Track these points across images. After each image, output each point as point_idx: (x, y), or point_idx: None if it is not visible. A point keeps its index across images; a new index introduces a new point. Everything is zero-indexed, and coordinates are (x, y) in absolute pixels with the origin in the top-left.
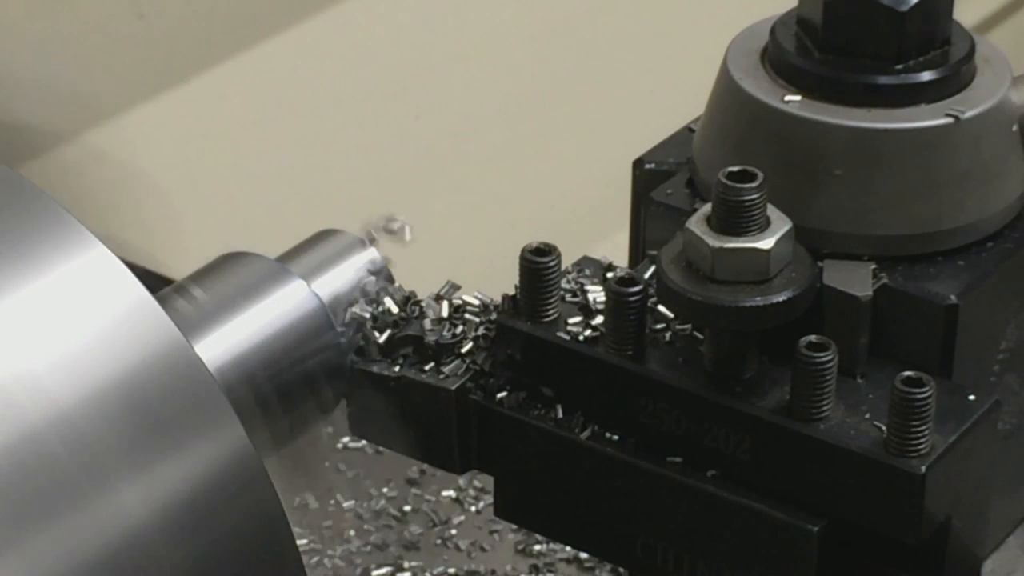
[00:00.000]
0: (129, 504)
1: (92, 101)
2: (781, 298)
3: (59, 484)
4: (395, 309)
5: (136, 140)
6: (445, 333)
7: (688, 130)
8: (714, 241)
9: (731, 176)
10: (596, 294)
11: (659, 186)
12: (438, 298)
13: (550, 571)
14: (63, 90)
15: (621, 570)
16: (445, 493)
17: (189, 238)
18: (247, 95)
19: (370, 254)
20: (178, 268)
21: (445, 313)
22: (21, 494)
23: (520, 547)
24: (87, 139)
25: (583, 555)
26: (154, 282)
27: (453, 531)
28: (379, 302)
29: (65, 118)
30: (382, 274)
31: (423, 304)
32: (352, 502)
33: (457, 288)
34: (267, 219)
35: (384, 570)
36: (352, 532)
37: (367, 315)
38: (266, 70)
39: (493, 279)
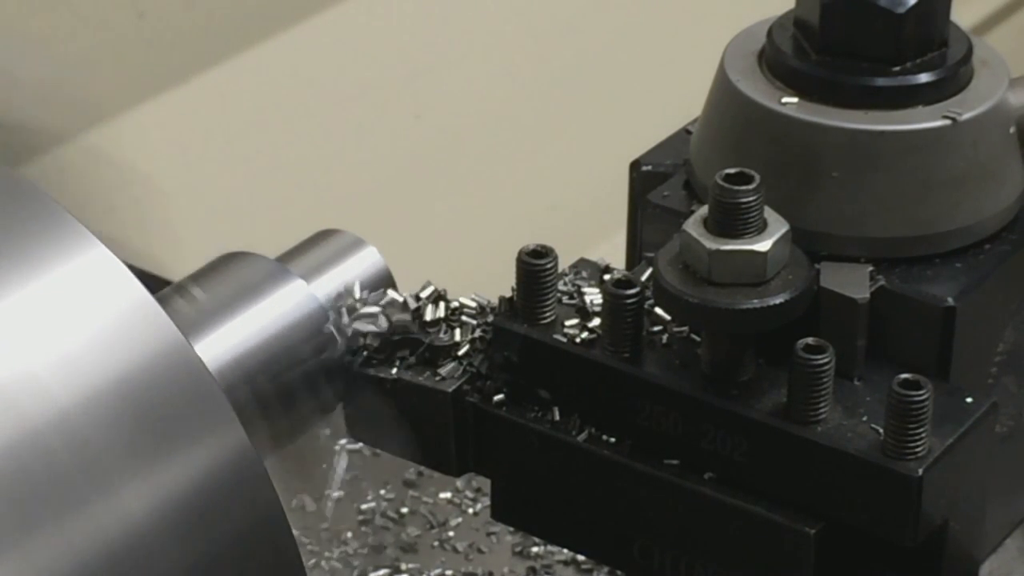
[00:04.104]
0: (129, 504)
1: (92, 101)
2: (778, 300)
3: (59, 484)
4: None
5: (136, 140)
6: (442, 335)
7: (685, 132)
8: (711, 243)
9: (728, 178)
10: (593, 296)
11: (656, 188)
12: (417, 298)
13: (547, 573)
14: (63, 90)
15: (618, 572)
16: (442, 495)
17: (189, 238)
18: (247, 95)
19: (371, 255)
20: (178, 268)
21: (442, 314)
22: (21, 494)
23: (517, 549)
24: (87, 139)
25: (580, 557)
26: (154, 282)
27: (450, 533)
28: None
29: (65, 118)
30: (384, 279)
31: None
32: (350, 504)
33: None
34: (267, 219)
35: (382, 572)
36: (349, 534)
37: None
38: (266, 70)
39: (491, 280)
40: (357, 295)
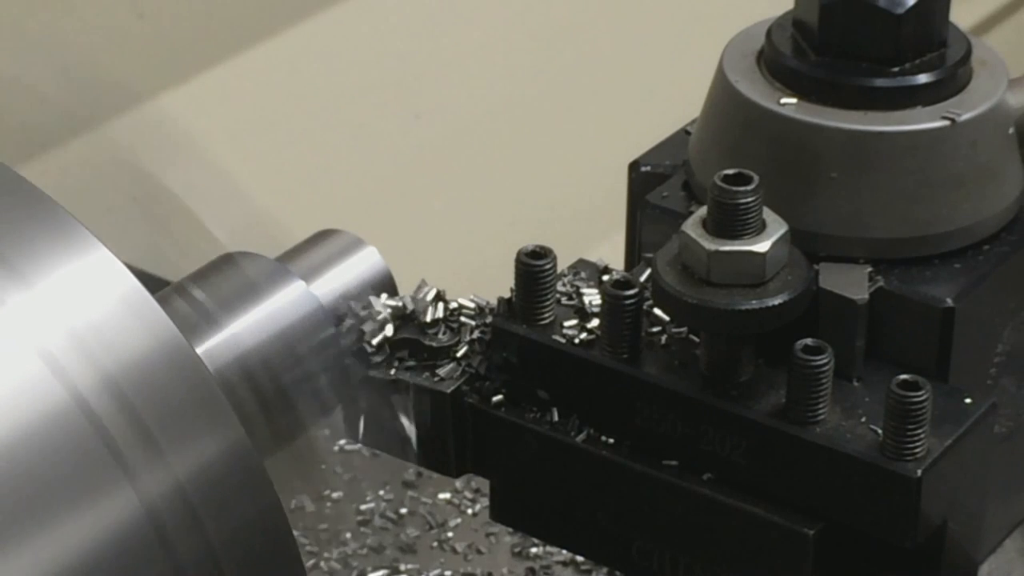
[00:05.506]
0: (128, 503)
1: (92, 101)
2: (777, 301)
3: (58, 482)
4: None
5: (136, 140)
6: (441, 336)
7: (684, 132)
8: (710, 244)
9: (727, 179)
10: (592, 297)
11: (655, 189)
12: (415, 299)
13: (546, 574)
14: (63, 90)
15: (617, 573)
16: (441, 496)
17: (189, 238)
18: (247, 95)
19: (371, 255)
20: (178, 268)
21: (440, 315)
22: (19, 491)
23: (516, 550)
24: (87, 139)
25: (579, 558)
26: (154, 282)
27: (450, 534)
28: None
29: (65, 118)
30: (384, 279)
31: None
32: (349, 505)
33: (431, 287)
34: (267, 219)
35: (381, 572)
36: (348, 535)
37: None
38: (266, 70)
39: (490, 281)
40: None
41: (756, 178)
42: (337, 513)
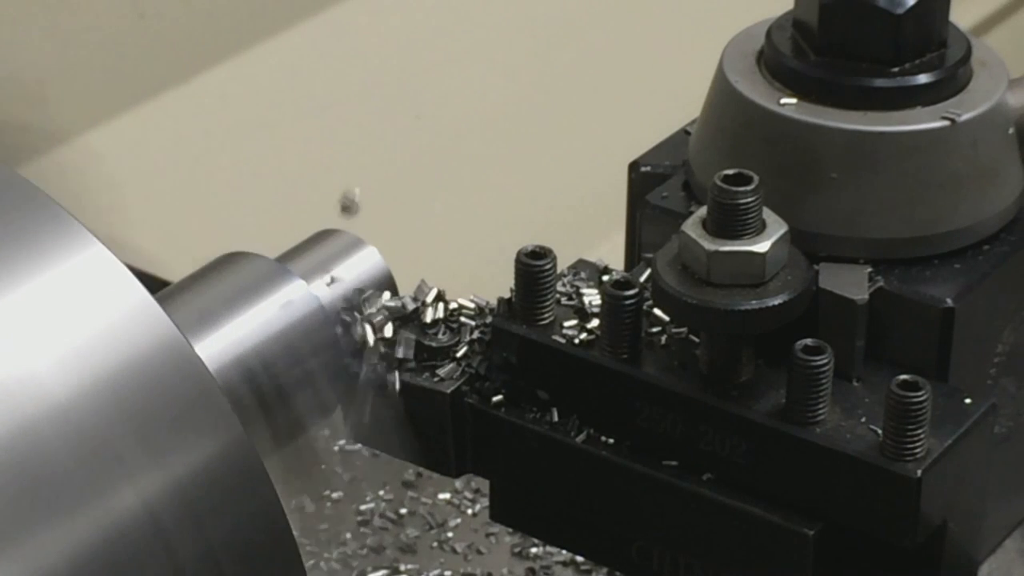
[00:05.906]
0: (128, 503)
1: (92, 101)
2: (776, 301)
3: (57, 482)
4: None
5: (136, 140)
6: (441, 336)
7: (684, 133)
8: (709, 244)
9: (727, 179)
10: (592, 297)
11: (655, 189)
12: (417, 300)
13: (546, 574)
14: (63, 90)
15: (617, 574)
16: (441, 496)
17: (189, 238)
18: (247, 95)
19: (371, 255)
20: (178, 268)
21: (440, 315)
22: (18, 491)
23: (516, 550)
24: (87, 139)
25: (579, 558)
26: (154, 282)
27: (449, 534)
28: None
29: (65, 118)
30: (384, 279)
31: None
32: (349, 505)
33: (431, 289)
34: (267, 219)
35: (380, 573)
36: (348, 535)
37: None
38: (266, 70)
39: (490, 280)
40: (375, 306)
41: (756, 178)
42: (337, 513)
